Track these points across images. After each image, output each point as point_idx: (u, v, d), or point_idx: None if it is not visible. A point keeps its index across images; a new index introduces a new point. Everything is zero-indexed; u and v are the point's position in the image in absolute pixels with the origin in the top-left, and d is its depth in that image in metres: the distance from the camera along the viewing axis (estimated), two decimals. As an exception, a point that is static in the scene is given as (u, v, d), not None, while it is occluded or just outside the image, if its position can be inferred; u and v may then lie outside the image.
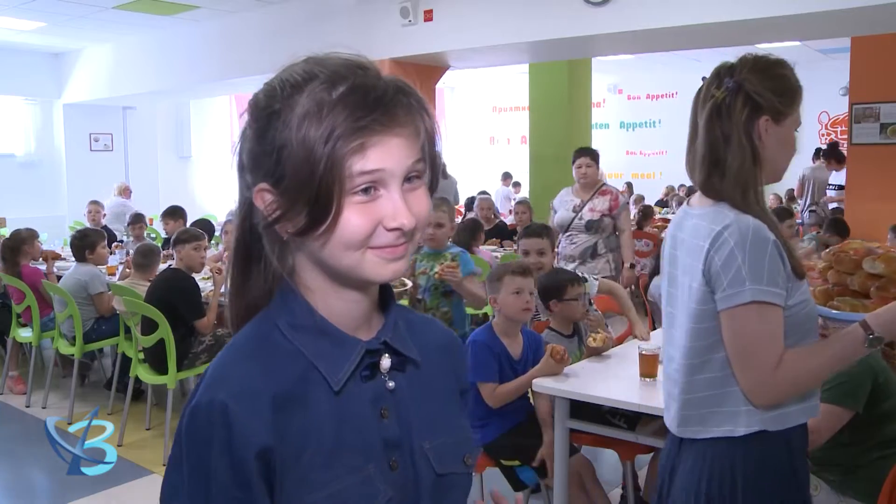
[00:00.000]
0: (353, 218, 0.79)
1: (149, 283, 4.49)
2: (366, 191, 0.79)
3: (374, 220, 0.80)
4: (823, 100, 11.99)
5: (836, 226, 6.11)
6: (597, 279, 3.48)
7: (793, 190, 10.79)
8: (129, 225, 7.19)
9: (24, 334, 5.20)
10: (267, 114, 0.81)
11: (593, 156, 4.96)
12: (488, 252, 6.11)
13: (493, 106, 15.19)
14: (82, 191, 9.51)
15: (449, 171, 8.55)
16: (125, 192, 9.31)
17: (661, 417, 2.67)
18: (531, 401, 3.01)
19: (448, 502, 0.92)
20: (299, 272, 0.87)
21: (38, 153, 10.49)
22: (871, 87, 6.37)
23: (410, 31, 6.37)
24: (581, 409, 2.74)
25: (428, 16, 6.32)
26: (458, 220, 8.62)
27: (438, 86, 7.61)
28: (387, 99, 0.79)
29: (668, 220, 9.05)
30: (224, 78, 8.22)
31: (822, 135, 12.16)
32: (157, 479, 3.77)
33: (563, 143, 8.06)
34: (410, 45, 6.36)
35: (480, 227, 6.20)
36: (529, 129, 8.41)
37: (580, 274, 3.35)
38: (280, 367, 0.83)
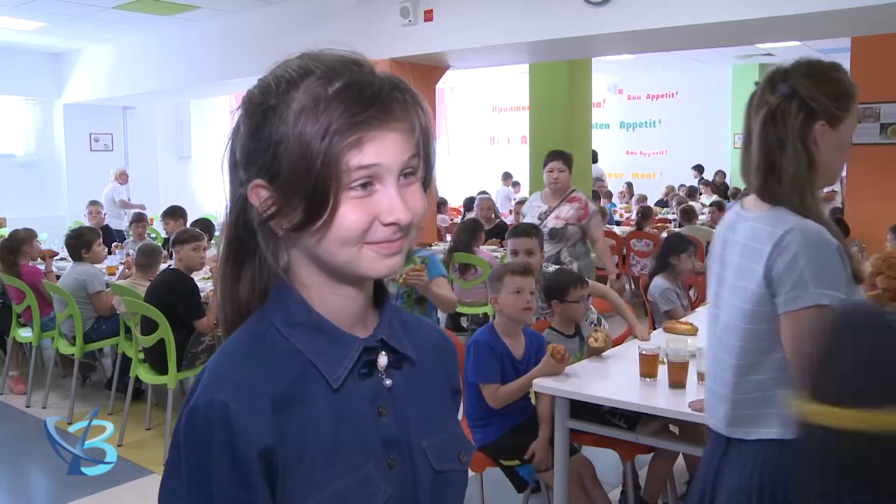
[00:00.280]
0: (349, 213, 0.79)
1: (148, 283, 4.49)
2: (362, 186, 0.79)
3: (371, 215, 0.79)
4: (823, 100, 12.00)
5: (836, 225, 6.10)
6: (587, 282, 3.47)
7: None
8: (130, 224, 7.20)
9: (24, 334, 5.20)
10: (262, 109, 0.81)
11: (566, 160, 4.66)
12: (488, 252, 6.12)
13: (493, 106, 15.19)
14: (82, 191, 9.52)
15: (449, 170, 8.55)
16: (121, 176, 9.40)
17: (661, 417, 2.68)
18: (532, 401, 3.01)
19: (446, 500, 0.92)
20: (294, 269, 0.86)
21: (38, 153, 10.49)
22: (871, 87, 6.37)
23: (410, 31, 6.37)
24: (581, 409, 2.74)
25: (428, 16, 6.32)
26: (458, 219, 8.63)
27: (438, 86, 7.62)
28: (383, 95, 0.79)
29: (667, 221, 9.06)
30: (224, 78, 8.22)
31: (822, 135, 12.16)
32: (158, 479, 3.74)
33: (563, 143, 8.04)
34: (410, 45, 6.37)
35: (480, 227, 6.21)
36: (529, 129, 8.41)
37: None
38: (278, 366, 0.82)
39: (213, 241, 6.44)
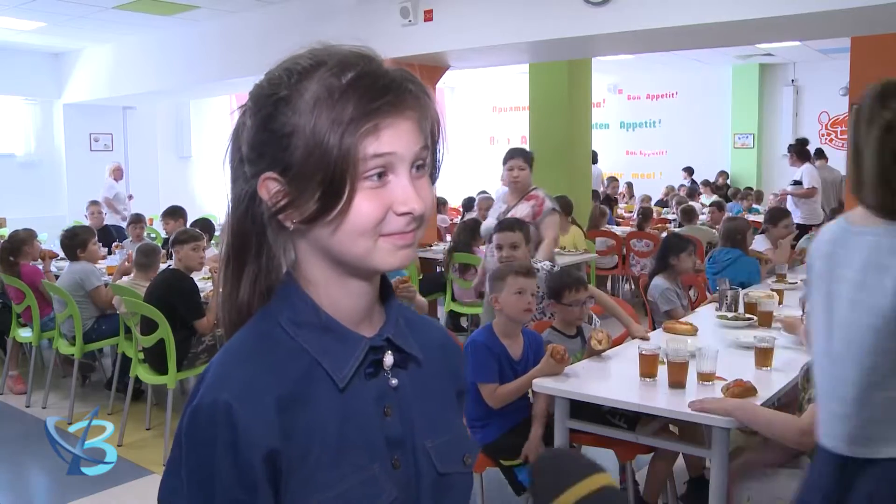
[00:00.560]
0: (364, 203, 0.78)
1: (148, 283, 4.49)
2: (377, 176, 0.78)
3: (385, 205, 0.79)
4: (823, 100, 12.01)
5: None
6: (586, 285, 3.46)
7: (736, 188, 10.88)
8: (128, 225, 7.20)
9: (24, 334, 5.20)
10: (273, 101, 0.80)
11: (526, 158, 4.41)
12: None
13: (493, 106, 15.18)
14: (82, 191, 9.52)
15: (449, 170, 8.54)
16: (115, 172, 9.37)
17: (661, 417, 2.69)
18: (531, 401, 3.01)
19: (448, 502, 0.91)
20: (301, 265, 0.85)
21: (38, 153, 10.49)
22: (871, 87, 6.37)
23: (410, 31, 6.37)
24: (581, 409, 2.74)
25: (428, 16, 6.32)
26: (458, 219, 8.63)
27: (438, 86, 7.62)
28: (395, 85, 0.79)
29: (667, 221, 9.06)
30: (224, 78, 8.22)
31: (822, 135, 12.16)
32: (158, 479, 3.75)
33: (563, 143, 8.06)
34: (410, 45, 6.36)
35: (480, 226, 6.20)
36: (529, 129, 8.40)
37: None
38: (283, 366, 0.81)
39: (213, 241, 6.45)
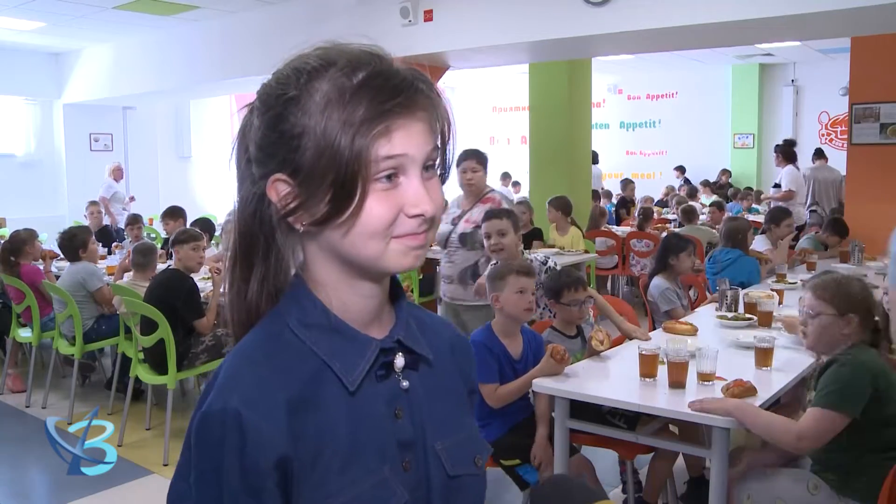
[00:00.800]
0: (375, 206, 0.77)
1: (148, 283, 4.49)
2: (387, 178, 0.77)
3: (396, 207, 0.78)
4: (823, 100, 12.01)
5: (836, 225, 6.11)
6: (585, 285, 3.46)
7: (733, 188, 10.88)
8: (126, 226, 7.20)
9: (24, 334, 5.20)
10: (283, 101, 0.78)
11: (480, 159, 4.16)
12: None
13: (493, 106, 15.18)
14: (82, 191, 9.52)
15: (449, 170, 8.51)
16: (115, 172, 9.36)
17: (661, 417, 2.68)
18: (532, 401, 3.01)
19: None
20: (310, 266, 0.84)
21: (38, 153, 10.49)
22: (871, 87, 6.37)
23: (410, 31, 6.37)
24: (581, 409, 2.74)
25: (428, 16, 6.32)
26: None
27: (438, 86, 7.59)
28: (406, 84, 0.78)
29: (667, 221, 9.05)
30: (224, 78, 8.21)
31: (822, 135, 12.17)
32: (157, 480, 3.77)
33: (563, 143, 8.05)
34: (410, 45, 6.36)
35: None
36: (529, 129, 8.40)
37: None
38: (293, 369, 0.80)
39: (212, 241, 6.44)
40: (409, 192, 0.79)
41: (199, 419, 0.79)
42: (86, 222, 7.46)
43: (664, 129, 13.63)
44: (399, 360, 0.87)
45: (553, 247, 6.21)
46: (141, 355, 4.31)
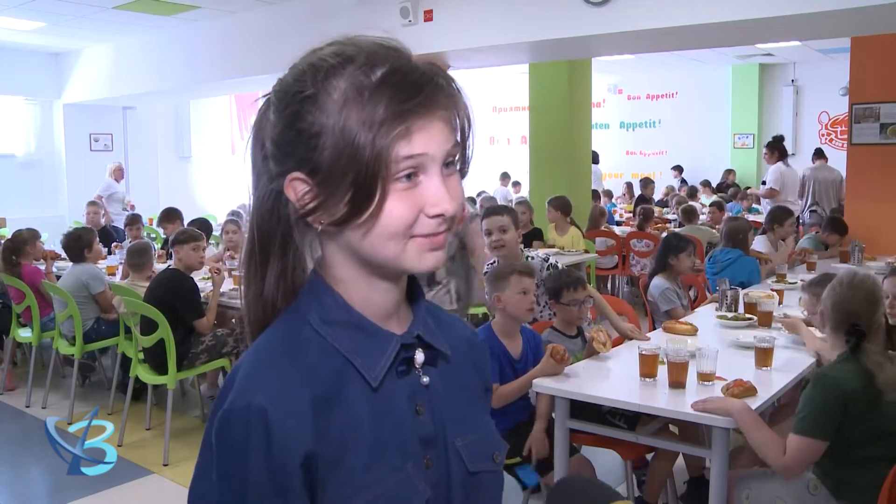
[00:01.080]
0: (395, 206, 0.76)
1: (147, 283, 4.50)
2: (407, 177, 0.76)
3: (416, 207, 0.77)
4: (823, 100, 12.00)
5: (835, 224, 6.12)
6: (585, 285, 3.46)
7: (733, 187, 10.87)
8: (126, 226, 7.20)
9: (24, 334, 5.20)
10: (300, 98, 0.77)
11: None
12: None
13: (493, 106, 15.18)
14: (82, 191, 9.51)
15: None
16: (116, 172, 9.30)
17: (661, 417, 2.68)
18: (532, 400, 3.01)
19: (479, 501, 0.90)
20: (329, 264, 0.83)
21: (38, 153, 10.49)
22: (871, 87, 6.37)
23: (410, 31, 6.36)
24: (581, 409, 2.74)
25: (428, 16, 6.32)
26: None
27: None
28: (426, 81, 0.77)
29: (667, 221, 9.05)
30: (224, 78, 8.21)
31: (822, 135, 12.17)
32: (157, 479, 3.77)
33: (563, 143, 8.05)
34: (410, 45, 6.27)
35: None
36: (529, 129, 8.40)
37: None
38: (315, 366, 0.79)
39: (211, 241, 6.44)
40: (429, 191, 0.77)
41: (220, 418, 0.77)
42: (85, 222, 7.46)
43: (664, 130, 13.63)
44: (419, 356, 0.86)
45: (553, 247, 6.21)
46: (141, 355, 4.31)
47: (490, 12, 6.03)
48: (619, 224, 9.27)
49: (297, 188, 0.78)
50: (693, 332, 3.35)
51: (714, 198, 10.32)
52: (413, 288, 0.89)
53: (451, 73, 0.82)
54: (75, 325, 4.63)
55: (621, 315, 3.57)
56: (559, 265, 3.70)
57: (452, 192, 0.79)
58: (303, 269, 0.85)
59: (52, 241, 6.94)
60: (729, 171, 12.25)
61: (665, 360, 2.63)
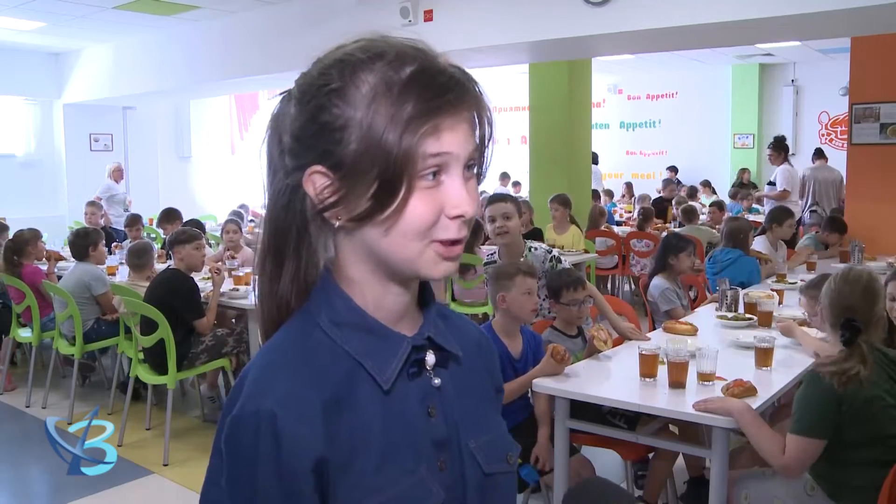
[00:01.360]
0: (419, 204, 0.75)
1: (147, 283, 4.49)
2: (432, 175, 0.76)
3: (438, 206, 0.76)
4: (823, 100, 12.00)
5: (834, 224, 6.12)
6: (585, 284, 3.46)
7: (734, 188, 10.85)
8: (126, 227, 7.20)
9: (24, 334, 5.20)
10: (325, 91, 0.76)
11: None
12: (486, 251, 6.11)
13: (493, 106, 15.15)
14: (82, 191, 9.50)
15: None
16: (115, 173, 9.21)
17: (661, 417, 2.68)
18: (531, 400, 3.01)
19: (494, 503, 0.89)
20: (341, 263, 0.82)
21: (38, 153, 10.48)
22: (871, 87, 6.37)
23: (410, 31, 6.30)
24: (581, 409, 2.74)
25: (428, 16, 6.32)
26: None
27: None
28: (454, 83, 0.77)
29: (667, 221, 9.05)
30: (224, 78, 8.21)
31: (822, 135, 12.16)
32: (157, 480, 3.77)
33: (563, 143, 8.05)
34: (410, 45, 6.35)
35: (481, 226, 6.19)
36: (529, 129, 8.40)
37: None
38: (326, 369, 0.78)
39: (211, 242, 6.44)
40: (451, 191, 0.77)
41: (230, 424, 0.76)
42: (84, 222, 7.46)
43: (664, 130, 13.63)
44: (430, 358, 0.85)
45: (552, 246, 6.21)
46: (141, 355, 4.31)
47: (490, 12, 6.03)
48: (619, 224, 9.28)
49: (317, 182, 0.77)
50: (693, 332, 3.35)
51: (714, 198, 10.32)
52: (423, 290, 0.88)
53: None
54: (75, 325, 4.62)
55: (621, 315, 3.57)
56: (563, 259, 3.69)
57: (472, 196, 0.79)
58: (316, 268, 0.84)
59: (51, 241, 6.94)
60: (743, 170, 12.15)
61: (665, 360, 2.63)
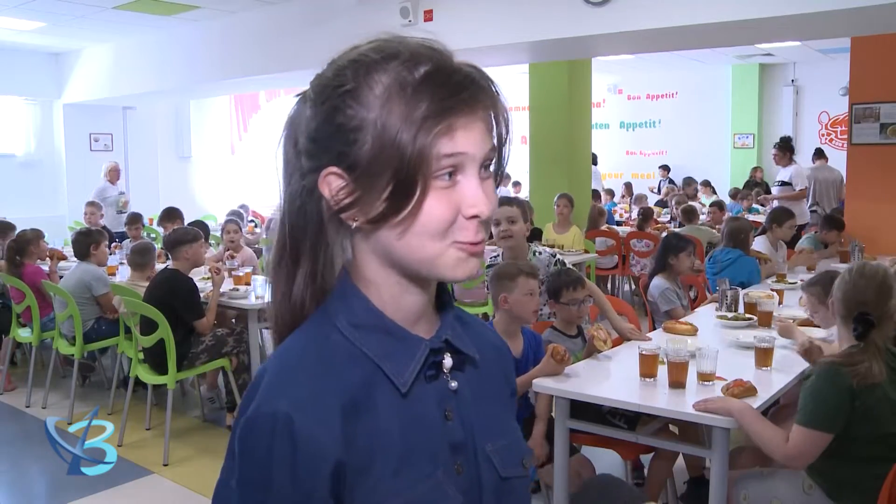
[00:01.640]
0: (435, 205, 0.74)
1: (147, 283, 4.49)
2: (448, 175, 0.75)
3: (454, 207, 0.75)
4: (823, 100, 12.00)
5: (831, 222, 6.12)
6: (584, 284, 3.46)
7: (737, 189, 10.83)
8: (126, 226, 7.18)
9: (24, 334, 5.20)
10: (340, 93, 0.76)
11: None
12: (489, 252, 6.11)
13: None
14: (82, 191, 9.48)
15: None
16: (111, 173, 8.96)
17: (661, 417, 2.68)
18: (531, 400, 3.01)
19: None
20: (359, 264, 0.82)
21: (38, 153, 10.48)
22: (871, 87, 6.37)
23: (410, 31, 6.31)
24: (581, 409, 2.74)
25: (428, 16, 6.32)
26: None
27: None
28: (469, 82, 0.76)
29: (667, 221, 9.06)
30: (224, 78, 8.21)
31: (822, 135, 12.16)
32: (157, 480, 3.77)
33: (563, 143, 8.05)
34: (410, 45, 6.35)
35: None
36: (529, 129, 8.40)
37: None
38: (344, 372, 0.77)
39: (211, 242, 6.44)
40: (467, 191, 0.76)
41: (244, 425, 0.75)
42: (84, 222, 7.45)
43: (664, 129, 13.63)
44: (448, 361, 0.85)
45: (553, 246, 6.21)
46: (141, 355, 4.31)
47: (490, 12, 6.03)
48: (619, 224, 9.27)
49: (333, 183, 0.77)
50: (693, 332, 3.35)
51: (714, 198, 10.32)
52: (441, 292, 0.87)
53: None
54: (75, 325, 4.63)
55: (621, 315, 3.57)
56: (566, 263, 3.70)
57: (489, 197, 0.78)
58: (332, 271, 0.83)
59: (51, 241, 6.94)
60: (756, 168, 12.08)
61: (665, 360, 2.63)
